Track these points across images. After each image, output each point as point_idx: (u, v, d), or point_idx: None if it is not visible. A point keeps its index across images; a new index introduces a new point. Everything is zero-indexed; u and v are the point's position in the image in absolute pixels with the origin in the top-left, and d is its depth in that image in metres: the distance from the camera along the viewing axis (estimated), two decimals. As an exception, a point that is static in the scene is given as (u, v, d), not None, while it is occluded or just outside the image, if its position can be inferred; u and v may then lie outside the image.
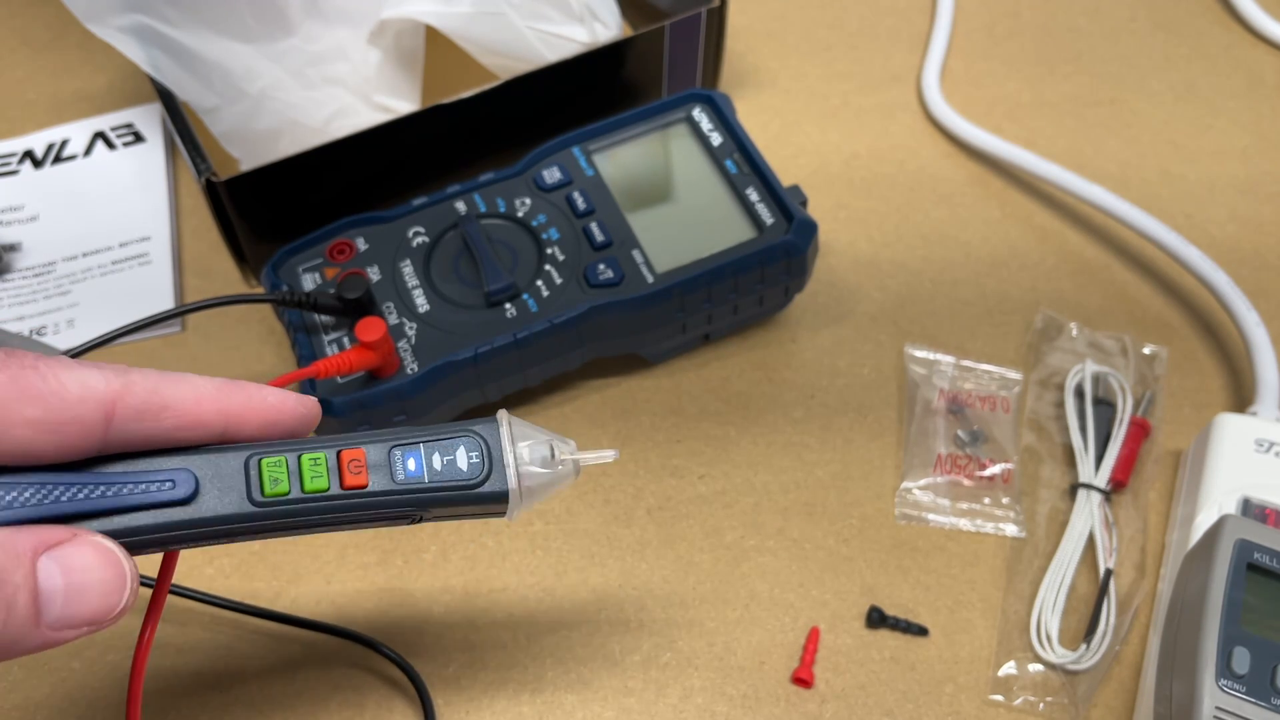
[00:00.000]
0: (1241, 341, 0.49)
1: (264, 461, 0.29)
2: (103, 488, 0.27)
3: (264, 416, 0.29)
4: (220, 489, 0.28)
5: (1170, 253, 0.52)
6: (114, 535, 0.27)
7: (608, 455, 0.34)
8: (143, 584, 0.42)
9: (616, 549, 0.46)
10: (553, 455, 0.32)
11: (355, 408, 0.44)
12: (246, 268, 0.53)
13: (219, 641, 0.43)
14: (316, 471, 0.29)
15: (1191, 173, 0.58)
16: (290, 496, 0.29)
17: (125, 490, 0.27)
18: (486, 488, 0.30)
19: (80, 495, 0.27)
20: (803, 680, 0.42)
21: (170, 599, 0.43)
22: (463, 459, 0.30)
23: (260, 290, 0.53)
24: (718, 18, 0.56)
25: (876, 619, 0.43)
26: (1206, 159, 0.59)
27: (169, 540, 0.28)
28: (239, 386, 0.29)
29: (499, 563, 0.45)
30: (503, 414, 0.32)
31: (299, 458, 0.29)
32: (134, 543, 0.27)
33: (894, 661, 0.43)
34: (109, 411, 0.27)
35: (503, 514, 0.32)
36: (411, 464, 0.30)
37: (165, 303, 0.53)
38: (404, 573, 0.45)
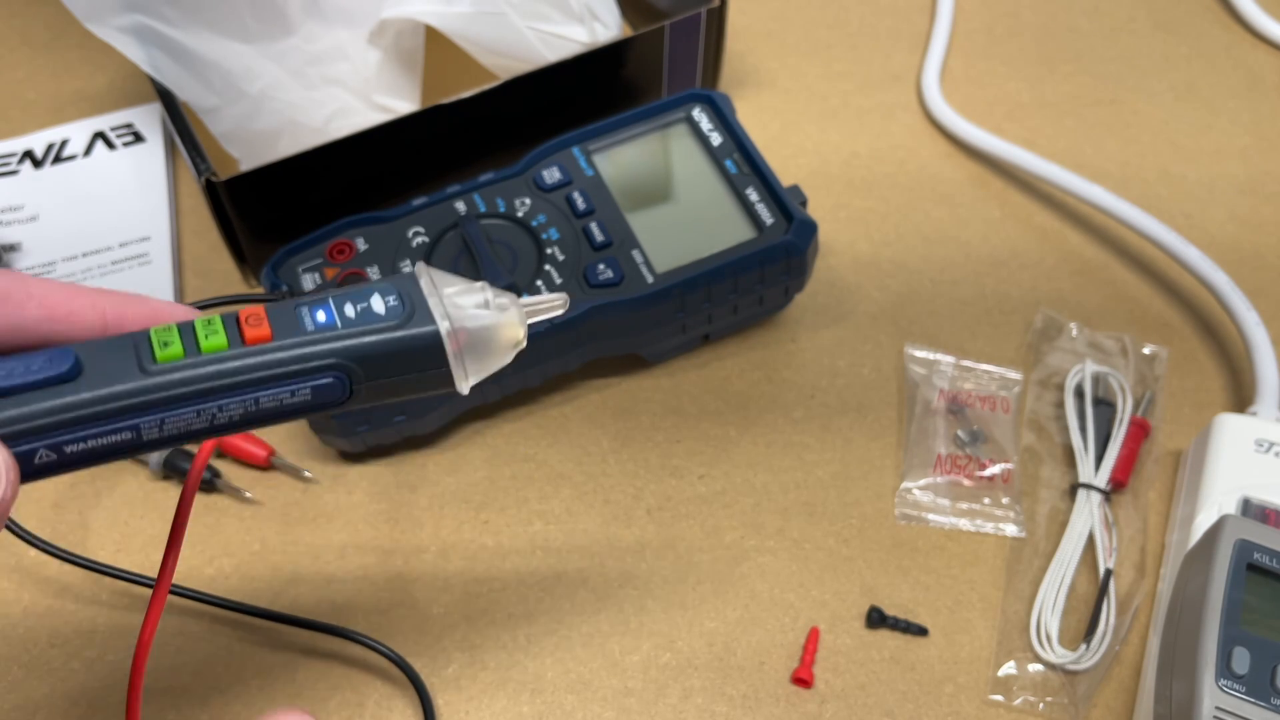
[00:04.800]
0: (1241, 341, 0.49)
1: (153, 330, 0.26)
2: None
3: (148, 315, 0.27)
4: (106, 363, 0.25)
5: (1170, 253, 0.52)
6: None
7: (557, 301, 0.31)
8: (143, 584, 0.43)
9: (616, 549, 0.46)
10: (488, 300, 0.29)
11: (355, 408, 0.44)
12: (246, 268, 0.53)
13: (219, 641, 0.43)
14: (212, 329, 0.26)
15: (1191, 173, 0.58)
16: (186, 359, 0.25)
17: None
18: (411, 327, 0.27)
19: None
20: (803, 680, 0.42)
21: (170, 599, 0.43)
22: (379, 303, 0.27)
23: (260, 290, 0.53)
24: (718, 18, 0.56)
25: (876, 619, 0.43)
26: (1206, 159, 0.59)
27: (55, 427, 0.24)
28: (118, 291, 0.27)
29: (499, 563, 0.45)
30: (420, 265, 0.29)
31: (192, 323, 0.26)
32: (13, 432, 0.24)
33: (894, 661, 0.43)
34: None
35: (448, 377, 0.28)
36: (321, 315, 0.27)
37: (165, 303, 0.52)
38: (404, 573, 0.45)
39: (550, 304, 0.31)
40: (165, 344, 0.25)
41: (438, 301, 0.28)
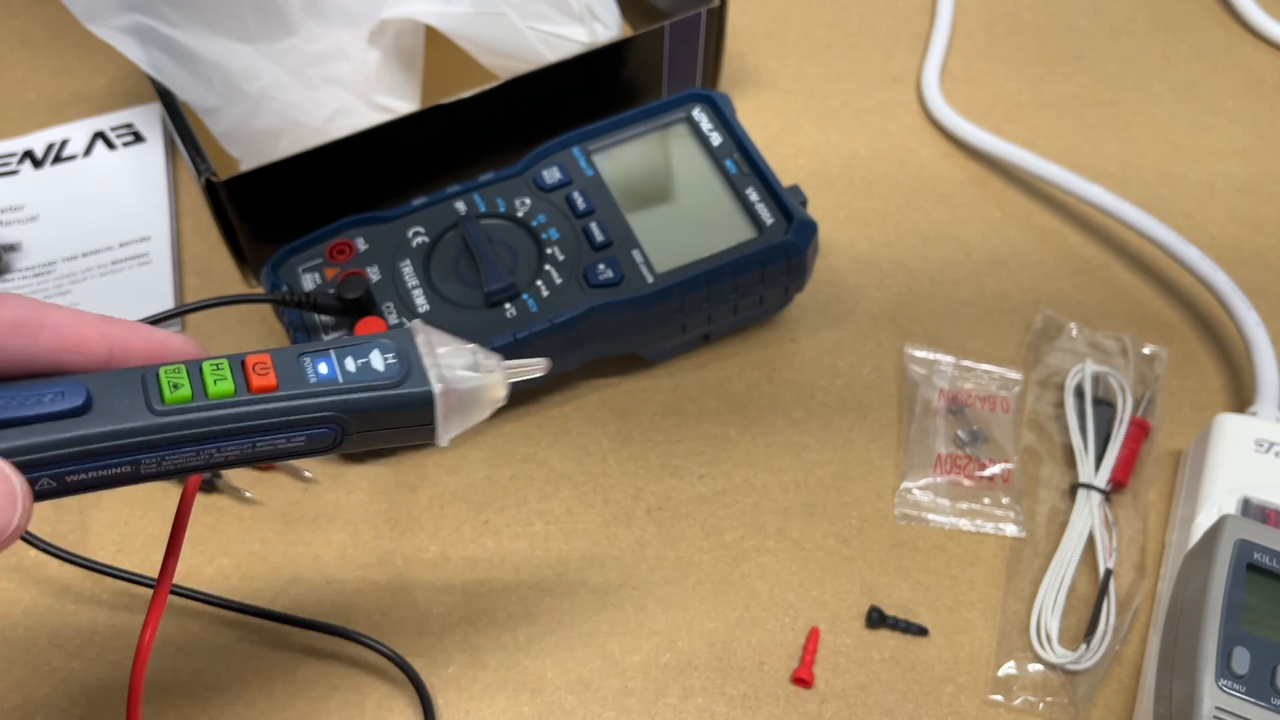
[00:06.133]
0: (1241, 341, 0.49)
1: (162, 369, 0.26)
2: None
3: (150, 347, 0.27)
4: (116, 400, 0.25)
5: (1170, 253, 0.52)
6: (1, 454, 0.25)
7: (537, 365, 0.33)
8: (143, 584, 0.43)
9: (616, 549, 0.46)
10: (476, 362, 0.31)
11: (355, 408, 0.44)
12: (246, 268, 0.53)
13: (219, 641, 0.43)
14: (220, 375, 0.26)
15: (1191, 173, 0.58)
16: (193, 403, 0.26)
17: (6, 405, 0.25)
18: (406, 387, 0.28)
19: None
20: (803, 680, 0.42)
21: (170, 599, 0.43)
22: (378, 360, 0.28)
23: (260, 290, 0.53)
24: (718, 18, 0.56)
25: (876, 619, 0.43)
26: (1206, 159, 0.59)
27: (61, 459, 0.25)
28: (124, 320, 0.28)
29: (499, 563, 0.45)
30: (417, 323, 0.31)
31: (200, 365, 0.27)
32: (23, 462, 0.25)
33: (894, 661, 0.43)
34: None
35: (431, 432, 0.30)
36: (323, 367, 0.28)
37: (165, 303, 0.53)
38: (404, 573, 0.45)
39: (532, 368, 0.32)
40: (175, 386, 0.26)
41: (433, 363, 0.29)
